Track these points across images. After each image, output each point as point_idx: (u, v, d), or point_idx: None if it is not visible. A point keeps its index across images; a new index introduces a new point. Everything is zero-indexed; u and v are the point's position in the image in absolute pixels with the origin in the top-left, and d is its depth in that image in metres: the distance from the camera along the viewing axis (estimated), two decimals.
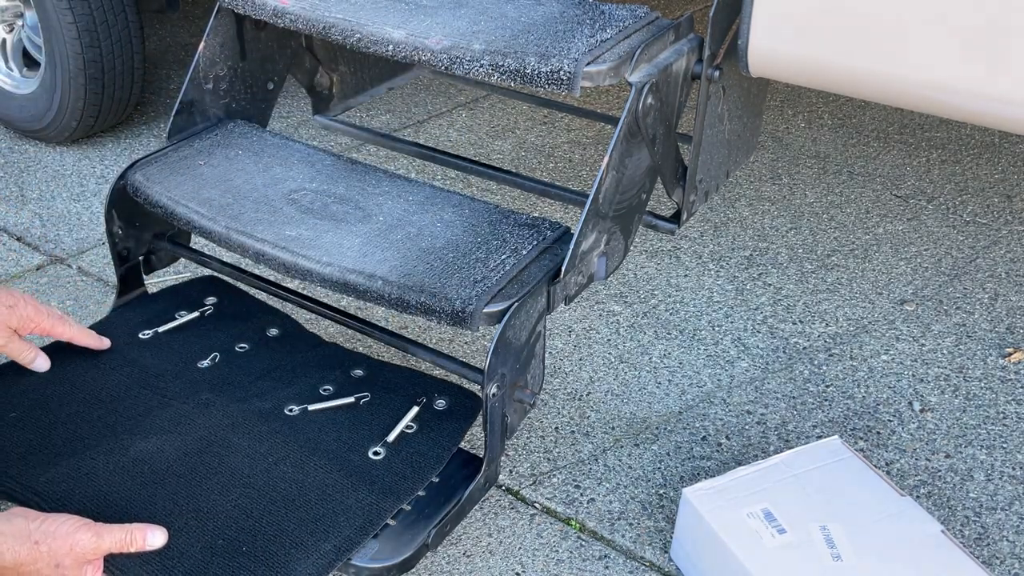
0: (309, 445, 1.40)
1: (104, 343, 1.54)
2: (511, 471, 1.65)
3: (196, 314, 1.65)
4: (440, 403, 1.50)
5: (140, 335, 1.60)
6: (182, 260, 1.88)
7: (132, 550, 1.15)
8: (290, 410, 1.46)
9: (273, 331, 1.63)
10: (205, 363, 1.55)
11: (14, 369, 1.49)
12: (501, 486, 1.62)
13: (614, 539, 1.54)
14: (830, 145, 2.78)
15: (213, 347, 1.58)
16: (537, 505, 1.60)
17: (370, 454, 1.39)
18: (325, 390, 1.51)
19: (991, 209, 2.47)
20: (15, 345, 1.45)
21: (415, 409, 1.47)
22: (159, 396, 1.46)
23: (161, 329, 1.61)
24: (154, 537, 1.16)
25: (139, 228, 1.66)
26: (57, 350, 1.53)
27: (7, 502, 1.28)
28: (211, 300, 1.68)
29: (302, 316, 1.98)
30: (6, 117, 2.62)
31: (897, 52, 1.39)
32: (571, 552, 1.51)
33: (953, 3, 1.33)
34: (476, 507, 1.55)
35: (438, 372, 1.85)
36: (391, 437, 1.43)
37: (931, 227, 2.39)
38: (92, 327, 1.59)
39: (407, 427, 1.45)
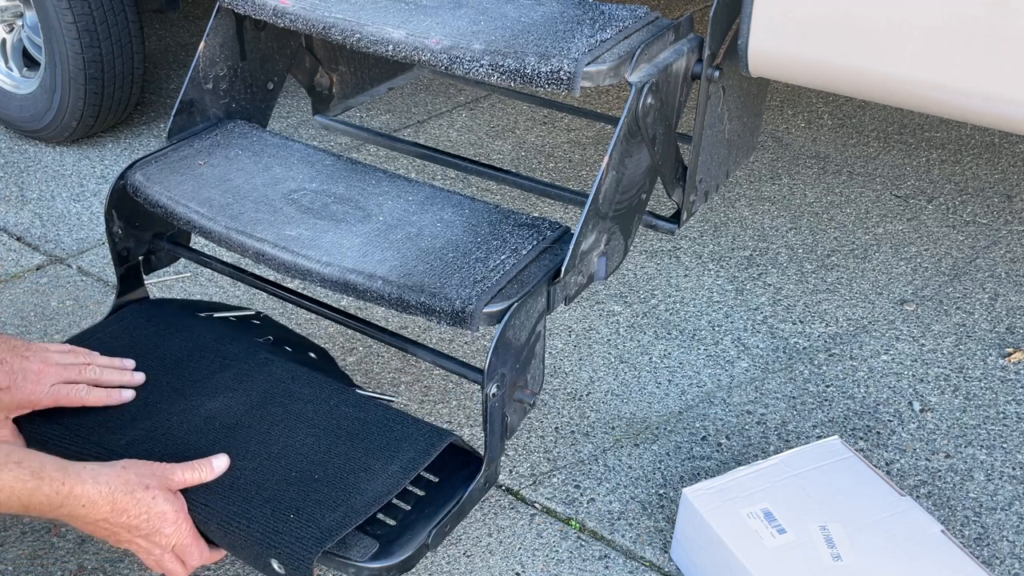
0: (366, 395, 1.47)
1: (126, 397, 1.43)
2: (511, 471, 1.65)
3: (250, 312, 1.72)
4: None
5: (196, 314, 1.66)
6: (182, 260, 1.88)
7: (206, 478, 1.25)
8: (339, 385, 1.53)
9: (313, 355, 1.69)
10: (260, 339, 1.61)
11: (80, 338, 1.53)
12: (501, 486, 1.62)
13: (614, 539, 1.54)
14: (830, 145, 2.78)
15: (265, 335, 1.65)
16: (537, 505, 1.60)
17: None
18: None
19: (991, 209, 2.47)
20: None
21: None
22: (220, 358, 1.52)
23: (215, 315, 1.67)
24: (219, 462, 1.27)
25: (139, 228, 1.66)
26: (119, 320, 1.60)
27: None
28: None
29: (302, 316, 1.98)
30: (6, 117, 2.62)
31: (897, 52, 1.39)
32: (571, 552, 1.51)
33: (953, 3, 1.33)
34: (476, 507, 1.55)
35: (438, 372, 1.85)
36: None
37: (931, 227, 2.39)
38: (144, 304, 1.63)
39: None
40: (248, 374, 1.49)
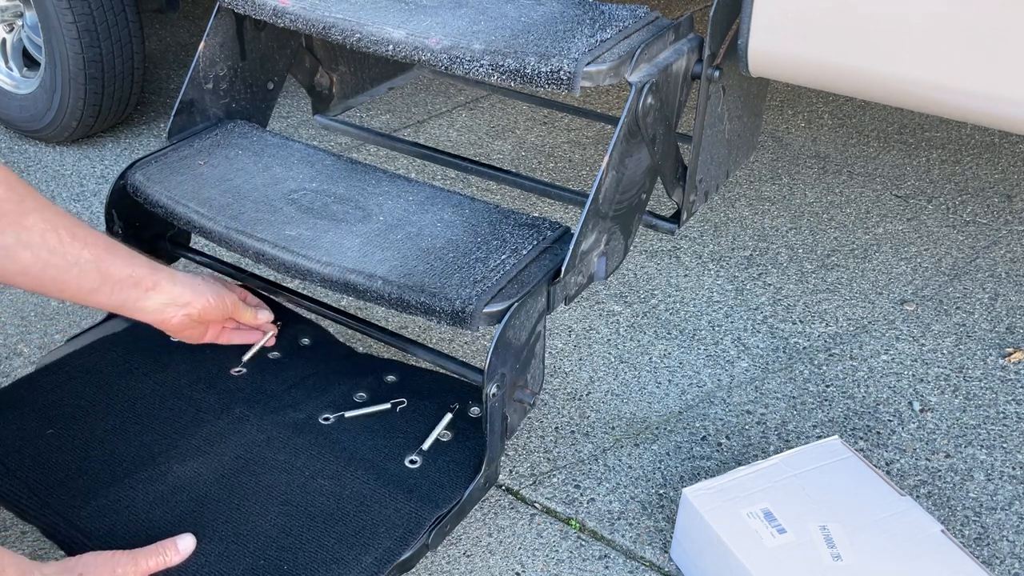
0: (345, 455, 1.40)
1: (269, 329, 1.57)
2: (511, 471, 1.65)
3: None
4: (474, 410, 1.50)
5: (172, 339, 1.56)
6: (182, 260, 1.88)
7: (172, 562, 1.18)
8: (325, 419, 1.46)
9: (305, 340, 1.63)
10: (238, 369, 1.55)
11: (50, 377, 1.49)
12: (501, 486, 1.62)
13: (614, 539, 1.54)
14: (830, 145, 2.78)
15: (245, 354, 1.58)
16: (537, 505, 1.60)
17: (406, 463, 1.40)
18: (359, 397, 1.52)
19: (991, 209, 2.47)
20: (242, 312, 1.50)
21: (448, 416, 1.48)
22: (193, 409, 1.45)
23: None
24: (184, 543, 1.21)
25: (139, 228, 1.66)
26: (92, 351, 1.54)
27: (48, 540, 1.28)
28: None
29: None
30: (6, 117, 2.62)
31: (897, 52, 1.39)
32: (571, 552, 1.51)
33: (953, 3, 1.33)
34: (476, 507, 1.55)
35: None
36: (426, 445, 1.43)
37: (931, 227, 2.39)
38: (121, 332, 1.60)
39: (441, 435, 1.45)
40: (221, 435, 1.42)
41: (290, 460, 1.38)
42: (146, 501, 1.31)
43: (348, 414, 1.48)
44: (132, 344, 1.58)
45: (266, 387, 1.52)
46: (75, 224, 1.28)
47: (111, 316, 1.65)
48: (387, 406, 1.50)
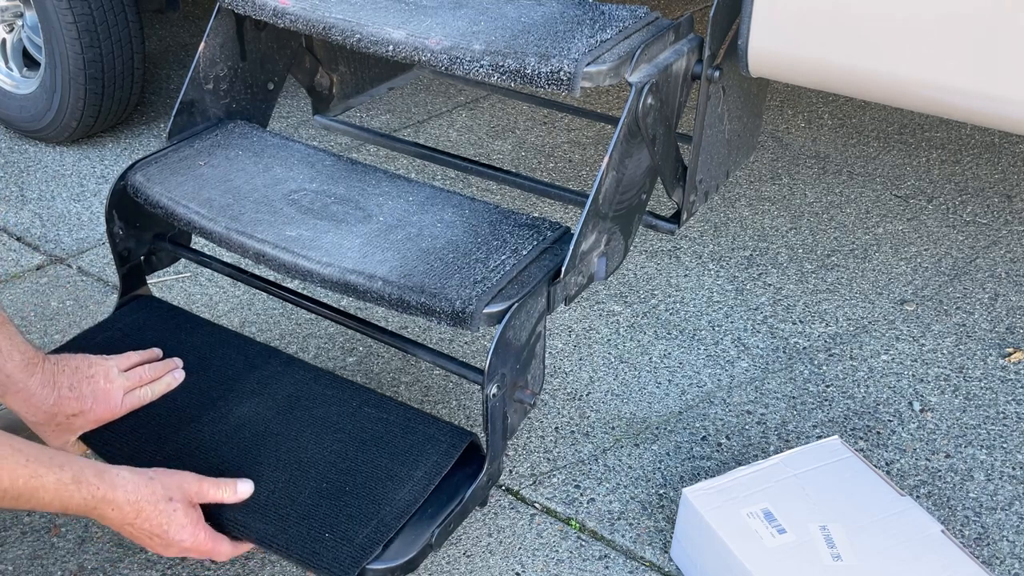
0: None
1: (179, 377, 1.49)
2: (511, 471, 1.65)
3: None
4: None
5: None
6: (182, 260, 1.88)
7: (227, 499, 1.27)
8: None
9: None
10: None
11: (102, 337, 1.55)
12: (501, 486, 1.62)
13: (614, 539, 1.54)
14: (830, 145, 2.78)
15: None
16: (537, 505, 1.60)
17: None
18: None
19: (991, 209, 2.47)
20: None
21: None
22: (243, 356, 1.54)
23: None
24: (244, 485, 1.29)
25: (140, 228, 1.66)
26: (140, 308, 1.61)
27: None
28: None
29: (302, 316, 1.99)
30: (6, 117, 2.62)
31: (897, 52, 1.39)
32: (571, 552, 1.51)
33: (953, 3, 1.33)
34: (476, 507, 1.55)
35: (438, 372, 1.85)
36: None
37: (931, 227, 2.39)
38: (153, 305, 1.62)
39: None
40: (272, 377, 1.50)
41: (338, 394, 1.47)
42: (213, 440, 1.39)
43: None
44: (169, 308, 1.65)
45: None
46: None
47: (130, 300, 1.67)
48: None
